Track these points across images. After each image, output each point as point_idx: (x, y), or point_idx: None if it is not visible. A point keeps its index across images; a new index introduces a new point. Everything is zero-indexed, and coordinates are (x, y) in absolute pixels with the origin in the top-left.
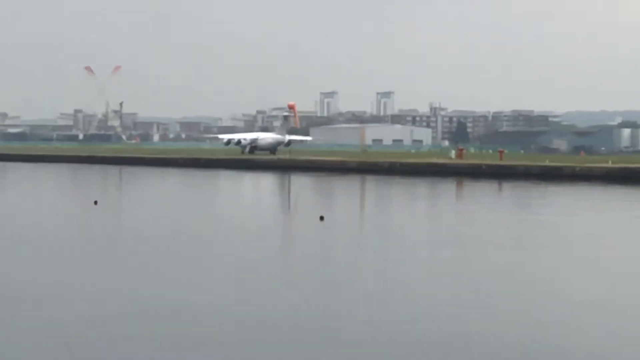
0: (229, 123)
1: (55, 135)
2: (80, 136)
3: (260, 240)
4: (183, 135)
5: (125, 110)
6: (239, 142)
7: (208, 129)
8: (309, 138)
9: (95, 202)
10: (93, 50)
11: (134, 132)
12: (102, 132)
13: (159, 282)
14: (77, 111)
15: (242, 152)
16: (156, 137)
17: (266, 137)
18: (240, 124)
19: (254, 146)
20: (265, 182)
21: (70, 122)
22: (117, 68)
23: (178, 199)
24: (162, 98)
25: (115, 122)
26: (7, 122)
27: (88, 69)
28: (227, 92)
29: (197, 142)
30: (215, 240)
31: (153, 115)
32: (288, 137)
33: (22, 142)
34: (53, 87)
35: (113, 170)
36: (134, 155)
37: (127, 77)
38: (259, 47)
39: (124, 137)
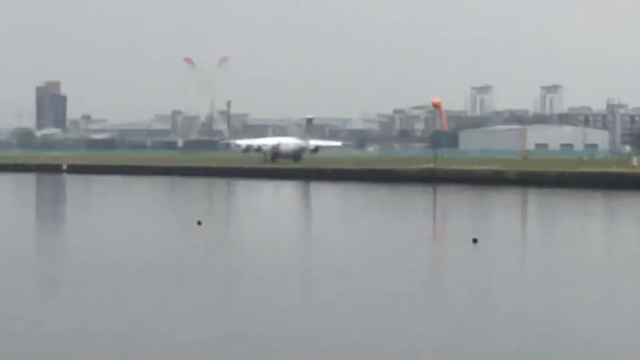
0: (360, 125)
1: (149, 142)
2: (180, 143)
3: (409, 272)
4: None
5: (233, 110)
6: (259, 148)
7: (335, 132)
8: (338, 144)
9: (199, 223)
10: (195, 39)
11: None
12: (206, 137)
13: (321, 319)
14: (175, 112)
15: (265, 160)
16: None
17: (289, 143)
18: (374, 126)
19: (276, 152)
20: (407, 198)
21: (168, 126)
22: (224, 60)
23: (295, 219)
24: (277, 96)
25: (222, 126)
26: (92, 126)
27: (189, 60)
28: (357, 88)
29: None
30: (362, 274)
31: (267, 116)
32: (313, 143)
33: (110, 150)
34: (146, 84)
35: (219, 183)
36: (244, 166)
37: (236, 71)
38: (393, 33)
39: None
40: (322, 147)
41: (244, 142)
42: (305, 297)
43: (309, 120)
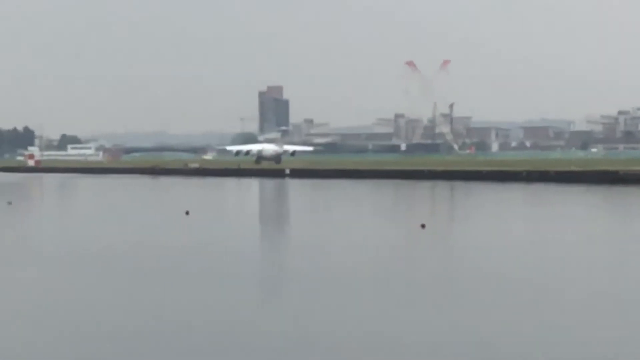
0: (583, 127)
1: (371, 146)
2: (403, 146)
3: None
4: (527, 143)
5: (456, 113)
6: (247, 152)
7: (559, 134)
8: (310, 148)
9: (423, 226)
10: (416, 42)
11: (467, 140)
12: (429, 140)
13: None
14: (397, 116)
15: (256, 162)
16: (495, 146)
17: (269, 149)
18: (598, 127)
19: (260, 156)
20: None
21: (390, 130)
22: (446, 63)
23: (524, 225)
24: (500, 98)
25: (445, 129)
26: (314, 130)
27: (410, 64)
28: (581, 90)
29: (544, 151)
30: None
31: (490, 119)
32: (289, 148)
33: (332, 154)
34: (368, 88)
35: (443, 186)
36: (468, 169)
37: (458, 74)
38: (617, 35)
39: (455, 146)
40: (297, 152)
41: (234, 148)
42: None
43: (284, 131)
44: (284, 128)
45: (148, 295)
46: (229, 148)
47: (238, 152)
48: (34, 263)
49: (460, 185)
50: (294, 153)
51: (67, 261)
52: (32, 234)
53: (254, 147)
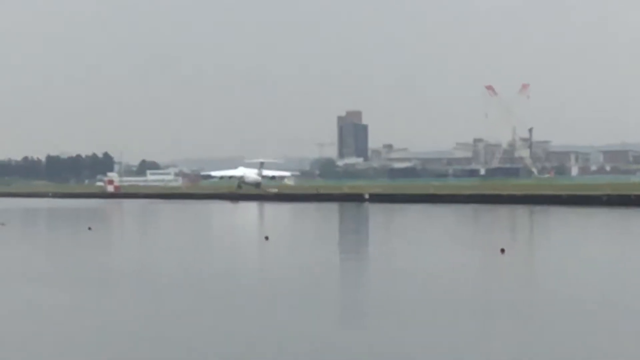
0: None
1: (451, 170)
2: (482, 170)
3: None
4: (607, 167)
5: (535, 137)
6: (231, 177)
7: (639, 158)
8: (288, 173)
9: (502, 251)
10: (495, 67)
11: (547, 165)
12: (508, 164)
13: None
14: (476, 140)
15: (238, 187)
16: (574, 170)
17: (250, 176)
18: None
19: (242, 182)
20: None
21: (469, 154)
22: (525, 87)
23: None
24: (580, 122)
25: (524, 153)
26: (394, 155)
27: (490, 88)
28: None
29: (624, 175)
30: None
31: (570, 143)
32: (269, 173)
33: (412, 178)
34: (447, 113)
35: (522, 210)
36: (548, 193)
37: (536, 98)
38: None
39: (534, 170)
40: (276, 177)
41: (218, 173)
42: None
43: (262, 164)
44: (262, 160)
45: (241, 321)
46: (213, 174)
47: (222, 177)
48: (121, 288)
49: (540, 210)
50: (273, 177)
51: (156, 287)
52: (114, 259)
53: (236, 173)
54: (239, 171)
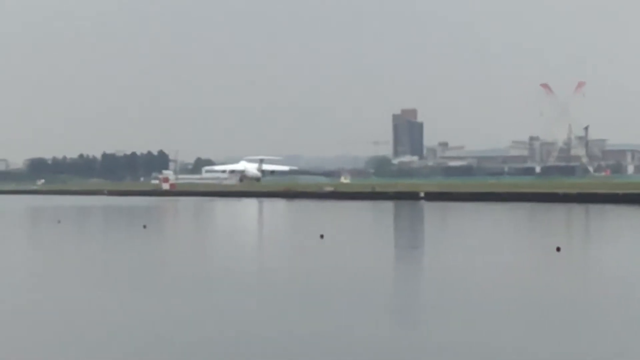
0: None
1: (506, 168)
2: (537, 169)
3: None
4: None
5: (591, 136)
6: (232, 171)
7: None
8: (286, 168)
9: (558, 249)
10: (551, 65)
11: (602, 163)
12: (564, 163)
13: None
14: (532, 139)
15: (240, 181)
16: (630, 168)
17: (250, 170)
18: None
19: (243, 176)
20: None
21: (525, 152)
22: (581, 85)
23: None
24: (636, 121)
25: (580, 151)
26: (449, 153)
27: (545, 86)
28: None
29: None
30: None
31: (626, 141)
32: (268, 168)
33: (467, 177)
34: (503, 111)
35: (578, 209)
36: (604, 192)
37: (592, 96)
38: None
39: (590, 168)
40: (275, 171)
41: (220, 167)
42: None
43: (261, 160)
44: (261, 157)
45: (319, 319)
46: (216, 168)
47: (223, 172)
48: (181, 287)
49: (595, 208)
50: (272, 172)
51: (217, 287)
52: (172, 257)
53: (237, 167)
54: (241, 165)
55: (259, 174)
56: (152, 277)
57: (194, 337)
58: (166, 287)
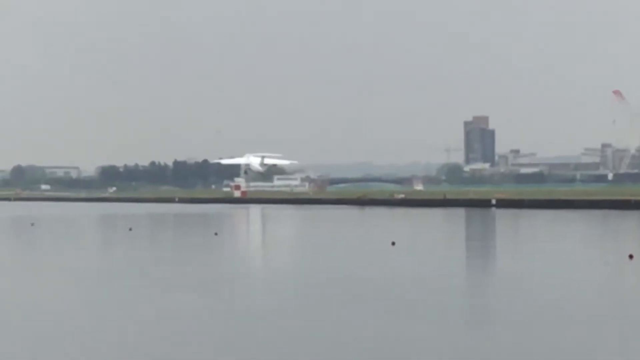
0: None
1: (578, 175)
2: (610, 176)
3: None
4: None
5: None
6: (240, 166)
7: None
8: (287, 162)
9: (631, 257)
10: (622, 70)
11: None
12: (637, 170)
13: None
14: (604, 146)
15: (245, 173)
16: None
17: (254, 164)
18: None
19: (248, 168)
20: None
21: (597, 159)
22: None
23: None
24: None
25: None
26: (520, 160)
27: (617, 93)
28: None
29: None
30: None
31: None
32: (269, 161)
33: (539, 184)
34: (575, 118)
35: None
36: None
37: None
38: None
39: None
40: (277, 165)
41: (227, 161)
42: None
43: (263, 157)
44: (263, 154)
45: (392, 325)
46: (222, 162)
47: (231, 165)
48: (255, 294)
49: None
50: (275, 165)
51: (295, 293)
52: (243, 264)
53: (242, 161)
54: (245, 158)
55: (260, 168)
56: (228, 285)
57: (292, 347)
58: (246, 298)
